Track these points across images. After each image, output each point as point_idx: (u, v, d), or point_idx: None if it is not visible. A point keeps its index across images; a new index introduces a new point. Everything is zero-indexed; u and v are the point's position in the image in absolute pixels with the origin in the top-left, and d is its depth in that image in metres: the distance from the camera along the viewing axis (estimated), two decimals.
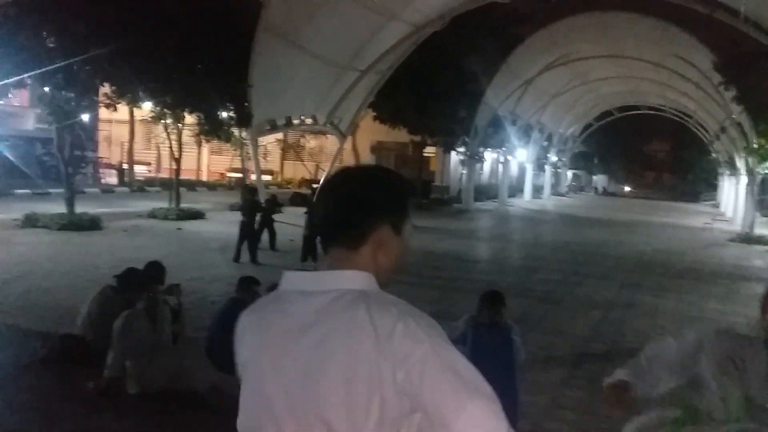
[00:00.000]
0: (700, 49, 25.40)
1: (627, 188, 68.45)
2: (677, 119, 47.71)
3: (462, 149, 31.28)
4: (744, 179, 26.40)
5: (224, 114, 18.60)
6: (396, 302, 1.45)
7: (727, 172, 35.29)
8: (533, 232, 23.15)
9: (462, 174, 33.40)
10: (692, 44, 25.86)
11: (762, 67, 15.57)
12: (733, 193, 33.32)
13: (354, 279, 1.46)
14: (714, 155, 41.04)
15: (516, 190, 42.47)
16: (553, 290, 11.61)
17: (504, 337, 4.48)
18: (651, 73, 34.89)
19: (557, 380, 6.53)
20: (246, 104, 18.20)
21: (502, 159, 38.47)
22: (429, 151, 33.64)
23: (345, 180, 1.59)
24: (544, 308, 9.99)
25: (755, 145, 23.01)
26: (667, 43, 27.81)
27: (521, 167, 43.56)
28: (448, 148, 31.48)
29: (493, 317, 4.60)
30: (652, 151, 71.19)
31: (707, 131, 40.77)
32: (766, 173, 26.74)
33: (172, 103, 17.23)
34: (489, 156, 38.88)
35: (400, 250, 1.59)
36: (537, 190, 44.85)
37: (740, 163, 27.67)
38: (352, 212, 1.51)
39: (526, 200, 40.39)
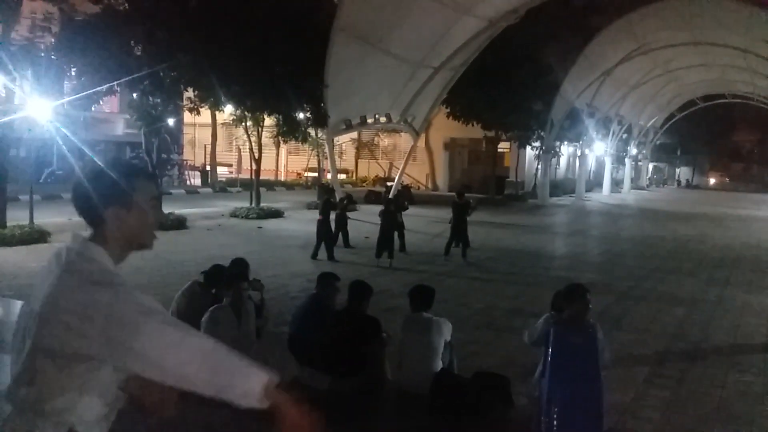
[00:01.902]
0: None
1: (712, 180, 65.43)
2: (766, 107, 45.21)
3: (537, 144, 30.78)
4: None
5: (301, 115, 19.06)
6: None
7: None
8: (612, 227, 22.54)
9: (537, 169, 32.85)
10: None
11: None
12: None
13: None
14: None
15: (594, 184, 41.40)
16: (635, 286, 11.31)
17: (587, 336, 4.27)
18: (737, 60, 33.17)
19: (641, 378, 6.39)
20: (322, 105, 18.60)
21: (578, 153, 37.58)
22: (503, 146, 33.26)
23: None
24: (626, 305, 9.75)
25: None
26: (753, 28, 26.40)
27: (599, 161, 42.42)
28: (522, 143, 31.05)
29: (575, 316, 4.38)
30: (740, 142, 67.57)
31: None
32: None
33: (252, 106, 17.79)
34: (565, 150, 38.06)
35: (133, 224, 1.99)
36: (616, 184, 43.56)
37: None
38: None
39: (604, 194, 39.28)
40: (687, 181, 63.54)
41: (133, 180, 1.99)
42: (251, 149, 20.22)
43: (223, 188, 29.07)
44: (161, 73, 15.00)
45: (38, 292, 1.90)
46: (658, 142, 53.65)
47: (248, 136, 20.15)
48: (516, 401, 5.15)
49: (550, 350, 4.22)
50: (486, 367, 5.74)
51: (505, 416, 5.07)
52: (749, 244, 18.54)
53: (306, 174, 35.07)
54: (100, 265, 1.89)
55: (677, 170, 65.11)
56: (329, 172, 22.69)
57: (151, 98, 15.89)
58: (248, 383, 1.82)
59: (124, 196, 1.96)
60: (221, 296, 5.84)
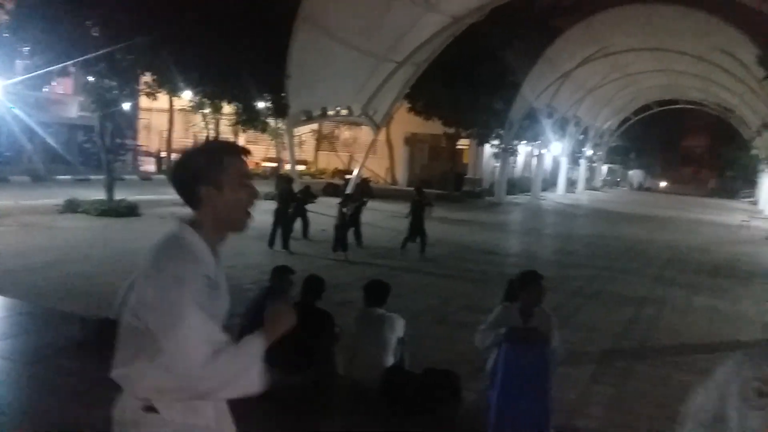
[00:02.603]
0: (745, 43, 24.80)
1: (663, 184, 67.27)
2: (717, 114, 46.67)
3: (496, 142, 31.11)
4: None
5: (261, 104, 18.85)
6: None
7: None
8: (566, 227, 22.98)
9: (495, 167, 33.21)
10: (736, 38, 25.27)
11: None
12: None
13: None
14: (754, 152, 40.02)
15: (549, 183, 42.08)
16: (585, 285, 11.56)
17: (538, 352, 4.26)
18: (692, 67, 34.16)
19: (587, 376, 6.55)
20: (283, 95, 18.42)
21: (536, 152, 38.14)
22: (462, 143, 33.52)
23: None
24: (576, 303, 9.96)
25: None
26: (710, 36, 27.21)
27: (556, 161, 43.12)
28: (481, 140, 31.35)
29: (529, 303, 4.40)
30: (691, 147, 69.72)
31: (748, 127, 39.81)
32: None
33: (211, 93, 17.51)
34: (523, 149, 38.58)
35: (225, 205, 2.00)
36: (571, 184, 44.37)
37: None
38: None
39: (559, 194, 39.99)
40: (639, 183, 65.16)
41: (222, 158, 2.00)
42: (208, 137, 19.93)
43: None
44: (118, 56, 14.63)
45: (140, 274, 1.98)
46: (612, 145, 54.83)
47: (206, 123, 19.85)
48: (466, 397, 5.21)
49: (500, 370, 4.29)
50: (439, 362, 5.79)
51: (454, 412, 5.12)
52: (695, 246, 19.12)
53: (264, 164, 34.74)
54: (185, 242, 1.94)
55: (630, 173, 66.70)
56: (288, 162, 22.52)
57: (106, 81, 15.51)
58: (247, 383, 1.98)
59: (214, 175, 1.97)
60: None
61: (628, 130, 53.95)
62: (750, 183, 49.35)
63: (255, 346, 2.00)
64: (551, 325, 4.48)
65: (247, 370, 1.96)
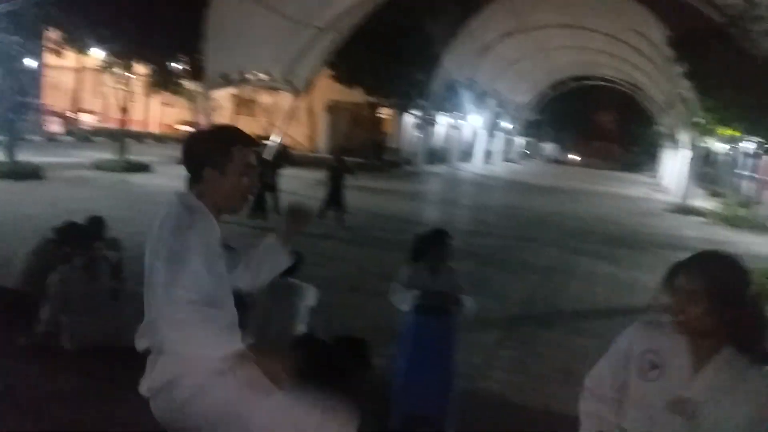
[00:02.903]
0: (655, 24, 25.88)
1: (575, 157, 69.84)
2: (626, 91, 48.66)
3: (417, 112, 31.33)
4: (684, 153, 27.30)
5: (176, 66, 18.16)
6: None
7: (670, 145, 36.34)
8: (481, 197, 23.57)
9: (416, 137, 33.50)
10: (648, 19, 26.33)
11: (713, 45, 15.97)
12: (673, 166, 34.42)
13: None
14: (659, 128, 42.08)
15: (468, 155, 42.87)
16: (496, 254, 11.95)
17: (445, 320, 4.35)
18: (605, 45, 35.38)
19: (492, 341, 6.81)
20: (199, 57, 17.80)
21: (455, 123, 38.68)
22: (384, 112, 33.58)
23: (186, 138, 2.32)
24: (486, 271, 10.29)
25: (698, 121, 23.78)
26: (623, 15, 28.23)
27: (474, 132, 43.90)
28: (403, 110, 31.50)
29: (437, 260, 4.45)
30: (601, 122, 72.57)
31: (655, 104, 41.75)
32: (705, 147, 27.72)
33: (122, 53, 16.72)
34: (443, 120, 39.05)
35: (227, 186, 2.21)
36: (488, 156, 45.35)
37: (683, 137, 28.54)
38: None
39: (477, 165, 40.84)
40: (553, 156, 67.36)
41: (231, 147, 2.20)
42: (119, 98, 19.09)
43: (86, 137, 27.26)
44: (19, 8, 13.70)
45: (151, 232, 2.21)
46: (528, 118, 56.28)
47: (116, 83, 18.98)
48: (377, 364, 5.32)
49: (407, 338, 4.36)
50: (353, 330, 5.87)
51: (363, 379, 5.23)
52: (600, 217, 20.07)
53: (180, 127, 33.64)
54: (195, 206, 2.17)
55: (544, 145, 68.80)
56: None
57: (6, 35, 14.53)
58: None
59: (220, 161, 2.18)
60: (74, 255, 5.56)
61: (544, 105, 55.47)
62: (654, 158, 51.99)
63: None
64: (457, 282, 4.57)
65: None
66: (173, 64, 18.05)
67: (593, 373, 2.36)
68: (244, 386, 2.21)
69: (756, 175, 29.95)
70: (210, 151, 2.19)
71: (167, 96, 27.35)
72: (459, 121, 38.19)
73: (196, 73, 18.24)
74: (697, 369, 2.06)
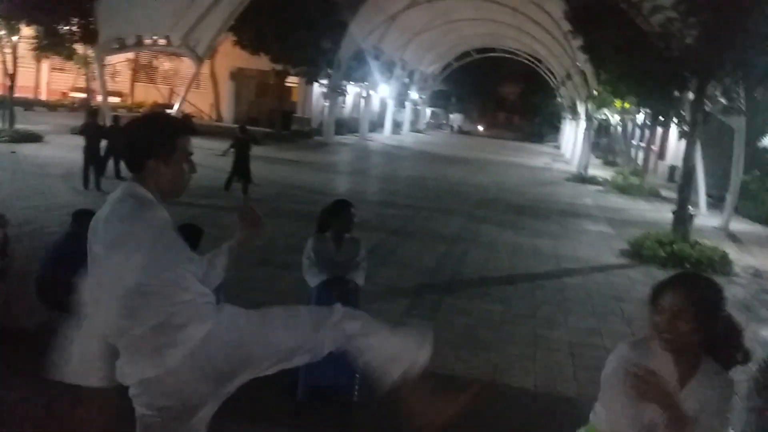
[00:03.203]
0: None
1: (480, 128, 71.46)
2: (529, 64, 50.10)
3: (325, 81, 30.96)
4: (582, 123, 28.51)
5: (66, 28, 17.02)
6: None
7: (569, 116, 37.84)
8: (390, 167, 23.73)
9: (324, 106, 33.17)
10: None
11: (608, 20, 16.62)
12: (572, 136, 35.93)
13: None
14: (559, 100, 43.68)
15: (377, 125, 42.95)
16: (405, 224, 12.10)
17: (348, 304, 4.41)
18: (508, 17, 36.10)
19: (401, 310, 6.92)
20: (91, 19, 16.76)
21: (364, 93, 38.57)
22: (291, 81, 32.92)
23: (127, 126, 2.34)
24: (395, 241, 10.42)
25: (595, 93, 24.84)
26: None
27: (383, 103, 43.98)
28: (310, 79, 31.00)
29: (340, 230, 4.49)
30: (505, 94, 74.48)
31: (555, 77, 43.24)
32: (602, 119, 29.06)
33: (5, 13, 15.48)
34: (352, 90, 38.82)
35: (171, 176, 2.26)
36: (397, 126, 45.64)
37: (581, 109, 29.76)
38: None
39: (386, 135, 41.03)
40: (459, 127, 68.62)
41: (174, 138, 2.23)
42: (4, 62, 17.73)
43: None
44: None
45: (98, 224, 2.22)
46: (436, 89, 56.94)
47: (0, 47, 17.61)
48: None
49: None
50: (261, 304, 5.78)
51: None
52: (505, 187, 20.71)
53: (72, 95, 31.71)
54: (142, 197, 2.20)
55: (451, 116, 69.96)
56: (99, 94, 20.75)
57: None
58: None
59: (164, 152, 2.21)
60: None
61: (450, 76, 56.24)
62: (555, 129, 54.04)
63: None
64: (360, 250, 4.61)
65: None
66: (63, 27, 16.87)
67: (612, 419, 2.30)
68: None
69: (647, 146, 31.77)
70: (155, 143, 2.21)
71: (58, 61, 25.70)
72: (368, 91, 38.10)
73: (89, 36, 17.16)
74: (683, 384, 2.21)
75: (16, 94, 19.24)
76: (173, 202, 2.35)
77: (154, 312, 2.17)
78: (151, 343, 2.19)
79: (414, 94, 48.63)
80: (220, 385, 2.29)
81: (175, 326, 2.19)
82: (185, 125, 2.36)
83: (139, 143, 2.22)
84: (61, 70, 31.36)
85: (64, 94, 32.74)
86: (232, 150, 13.23)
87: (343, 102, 39.44)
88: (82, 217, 5.05)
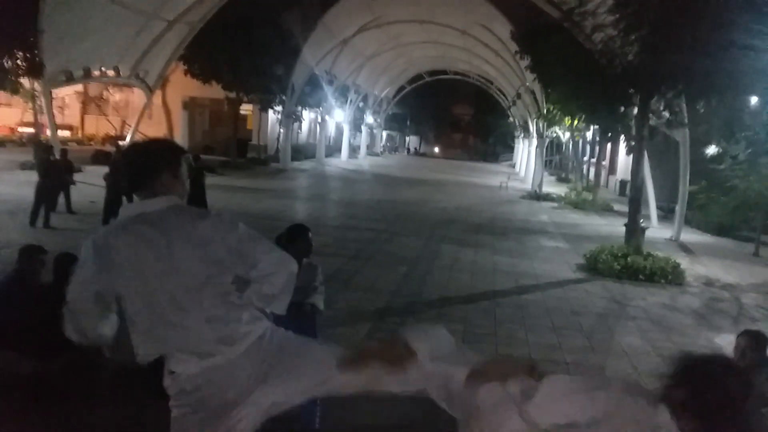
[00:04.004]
0: (500, 19, 27.24)
1: (437, 149, 72.26)
2: (480, 85, 51.02)
3: (279, 108, 30.94)
4: (535, 142, 29.08)
5: (10, 63, 16.64)
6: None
7: (522, 135, 38.60)
8: (348, 192, 23.74)
9: (280, 133, 33.10)
10: (493, 14, 27.63)
11: (553, 40, 17.07)
12: (525, 155, 36.60)
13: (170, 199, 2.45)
14: (511, 119, 44.57)
15: (333, 149, 43.04)
16: (364, 248, 12.08)
17: (306, 327, 4.22)
18: (457, 40, 36.78)
19: (363, 334, 6.87)
20: (36, 52, 16.44)
21: (319, 119, 38.67)
22: (245, 108, 32.83)
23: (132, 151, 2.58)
24: (355, 266, 10.37)
25: (545, 111, 25.40)
26: (471, 11, 29.44)
27: (339, 127, 44.14)
28: (264, 106, 30.97)
29: (299, 259, 4.44)
30: (459, 115, 75.60)
31: (506, 97, 44.12)
32: (554, 136, 29.71)
33: None
34: (307, 115, 38.87)
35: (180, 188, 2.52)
36: (353, 150, 45.83)
37: (532, 127, 30.39)
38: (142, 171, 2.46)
39: (343, 160, 41.11)
40: (415, 149, 69.30)
41: (179, 155, 2.53)
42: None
43: None
44: None
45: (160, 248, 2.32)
46: (391, 112, 57.48)
47: None
48: None
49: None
50: None
51: None
52: (462, 206, 20.91)
53: (20, 129, 30.92)
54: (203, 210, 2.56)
55: (407, 138, 70.62)
56: (48, 128, 20.29)
57: None
58: None
59: (174, 167, 2.49)
60: None
61: (404, 99, 56.86)
62: (509, 148, 55.01)
63: None
64: (318, 275, 4.58)
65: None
66: (8, 61, 16.49)
67: None
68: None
69: (598, 161, 32.55)
70: (167, 160, 2.47)
71: (4, 96, 25.07)
72: (323, 116, 38.21)
73: (35, 69, 16.81)
74: None
75: None
76: None
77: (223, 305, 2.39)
78: (212, 335, 2.35)
79: (369, 118, 49.00)
80: (261, 383, 2.40)
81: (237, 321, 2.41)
82: (181, 147, 2.67)
83: (148, 163, 2.45)
84: (8, 104, 30.58)
85: (11, 129, 31.90)
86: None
87: (299, 128, 39.43)
88: (29, 254, 4.91)
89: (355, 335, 6.74)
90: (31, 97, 20.48)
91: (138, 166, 2.46)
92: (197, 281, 2.33)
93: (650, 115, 12.59)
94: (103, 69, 20.52)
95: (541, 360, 6.49)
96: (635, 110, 12.94)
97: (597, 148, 33.29)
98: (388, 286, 9.18)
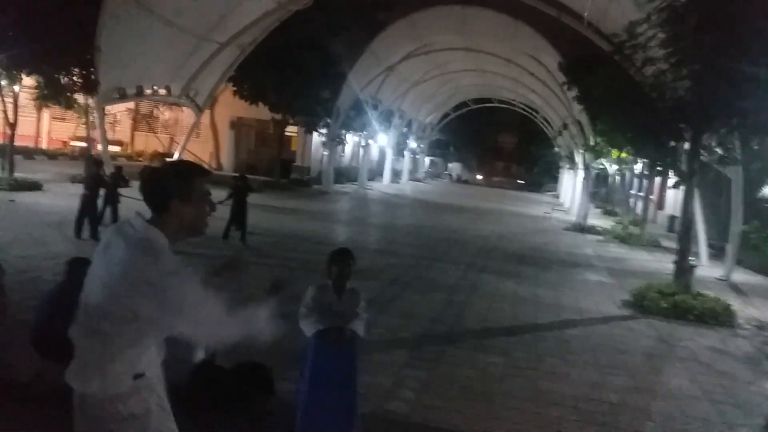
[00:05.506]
0: (548, 49, 27.09)
1: (479, 176, 71.94)
2: (526, 114, 50.74)
3: (324, 131, 31.25)
4: (581, 173, 28.64)
5: (67, 79, 17.21)
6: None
7: (567, 165, 38.09)
8: (389, 216, 23.71)
9: (323, 155, 33.40)
10: (541, 44, 27.52)
11: (601, 71, 16.88)
12: (571, 186, 36.07)
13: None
14: (556, 149, 44.07)
15: (376, 173, 43.20)
16: (404, 274, 11.97)
17: (347, 353, 4.37)
18: (504, 69, 36.73)
19: (401, 361, 6.75)
20: (92, 69, 16.97)
21: (363, 143, 38.91)
22: (291, 130, 33.25)
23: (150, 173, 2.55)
24: (394, 290, 10.28)
25: (592, 143, 25.02)
26: (518, 41, 29.39)
27: (382, 152, 44.34)
28: (309, 128, 31.31)
29: (340, 278, 4.42)
30: (503, 143, 75.31)
31: (551, 127, 43.73)
32: (600, 168, 29.22)
33: (8, 64, 15.67)
34: (350, 139, 39.18)
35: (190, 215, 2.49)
36: (396, 175, 45.91)
37: (578, 158, 29.96)
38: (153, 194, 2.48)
39: (385, 184, 41.20)
40: (458, 175, 69.10)
41: (193, 180, 2.47)
42: (5, 111, 17.87)
43: None
44: None
45: (102, 259, 2.43)
46: (434, 138, 57.55)
47: (2, 96, 17.77)
48: (281, 389, 5.13)
49: (309, 367, 4.29)
50: (255, 353, 5.63)
51: (266, 406, 5.03)
52: (504, 235, 20.65)
53: (73, 143, 31.91)
54: (158, 244, 2.38)
55: (449, 165, 70.52)
56: (100, 143, 20.87)
57: None
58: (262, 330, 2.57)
59: (185, 192, 2.44)
60: None
61: (448, 125, 56.95)
62: (553, 178, 54.36)
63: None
64: (360, 301, 4.51)
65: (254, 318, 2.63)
66: (65, 77, 17.06)
67: None
68: None
69: (646, 195, 31.83)
70: (175, 185, 2.43)
71: (59, 110, 25.94)
72: (367, 140, 38.45)
73: (90, 86, 17.34)
74: None
75: (17, 143, 19.34)
76: (175, 251, 2.48)
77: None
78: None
79: (412, 143, 49.11)
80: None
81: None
82: (200, 168, 2.58)
83: (161, 186, 2.45)
84: (62, 119, 31.65)
85: (64, 143, 32.96)
86: (230, 199, 13.18)
87: (342, 151, 39.75)
88: (76, 266, 4.97)
89: (394, 362, 6.63)
90: (85, 112, 21.16)
91: (149, 191, 2.48)
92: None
93: (702, 150, 12.24)
94: (155, 88, 21.06)
95: (584, 398, 6.27)
96: (686, 145, 12.60)
97: (645, 181, 32.61)
98: (426, 314, 9.05)
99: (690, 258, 12.09)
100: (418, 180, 52.89)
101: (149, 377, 2.47)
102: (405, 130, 46.02)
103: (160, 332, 2.45)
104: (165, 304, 2.31)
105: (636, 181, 34.55)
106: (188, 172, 2.51)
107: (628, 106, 13.65)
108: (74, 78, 17.09)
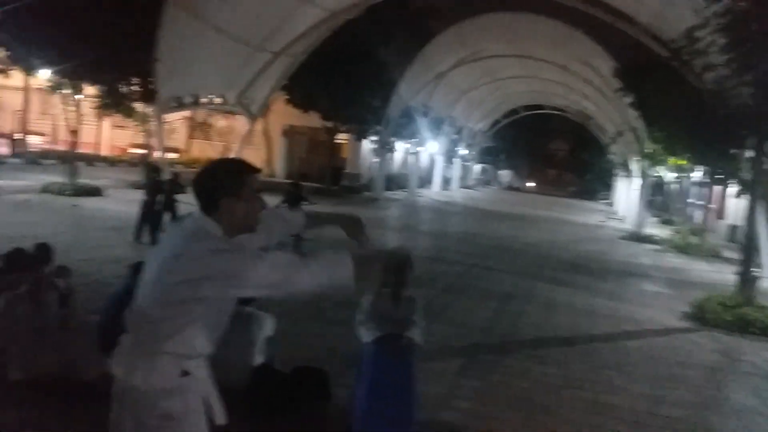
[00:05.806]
0: (602, 55, 26.60)
1: (530, 184, 71.05)
2: (578, 120, 49.87)
3: (374, 138, 31.40)
4: (636, 181, 27.96)
5: (127, 88, 17.80)
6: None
7: (622, 173, 37.23)
8: (440, 223, 23.63)
9: (374, 162, 33.54)
10: (595, 50, 27.05)
11: (658, 77, 16.47)
12: (626, 194, 35.25)
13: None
14: (611, 157, 43.14)
15: (426, 181, 43.12)
16: (455, 281, 11.90)
17: (405, 359, 4.36)
18: (556, 75, 36.21)
19: (454, 370, 6.71)
20: (151, 79, 17.48)
21: (413, 150, 38.93)
22: (341, 137, 33.53)
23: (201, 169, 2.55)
24: (447, 299, 10.22)
25: (648, 150, 24.42)
26: (571, 47, 28.95)
27: (432, 159, 44.25)
28: (360, 136, 31.51)
29: (400, 290, 4.43)
30: (555, 150, 74.20)
31: (605, 133, 42.84)
32: (657, 176, 28.47)
33: (71, 74, 16.29)
34: (401, 146, 39.24)
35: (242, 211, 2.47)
36: (446, 182, 45.73)
37: (634, 166, 29.26)
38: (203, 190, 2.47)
39: (435, 191, 41.10)
40: (508, 183, 68.43)
41: (244, 176, 2.47)
42: (68, 119, 18.57)
43: (34, 160, 26.36)
44: None
45: (163, 251, 2.42)
46: (484, 145, 57.12)
47: (65, 104, 18.47)
48: (337, 394, 5.16)
49: (366, 372, 4.30)
50: (312, 360, 5.69)
51: (323, 410, 5.06)
52: (557, 244, 20.31)
53: (132, 150, 32.93)
54: (216, 238, 2.39)
55: (500, 172, 69.89)
56: (158, 150, 21.49)
57: None
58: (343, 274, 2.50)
59: (236, 189, 2.44)
60: (20, 283, 5.28)
61: (498, 132, 56.42)
62: (607, 186, 53.20)
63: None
64: (417, 309, 4.50)
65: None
66: (124, 86, 17.66)
67: None
68: None
69: (705, 204, 30.89)
70: (226, 181, 2.44)
71: (119, 118, 26.83)
72: (417, 147, 38.46)
73: (148, 95, 17.88)
74: None
75: (79, 150, 20.06)
76: None
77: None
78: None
79: (463, 150, 48.84)
80: None
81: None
82: (250, 165, 2.59)
83: (212, 184, 2.44)
84: (122, 127, 32.69)
85: (123, 150, 34.05)
86: (284, 205, 13.35)
87: (392, 158, 39.83)
88: (140, 269, 5.12)
89: (447, 371, 6.59)
90: (144, 120, 21.87)
91: (201, 189, 2.47)
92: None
93: (765, 158, 11.79)
94: (211, 96, 21.53)
95: (644, 412, 6.09)
96: (748, 152, 12.16)
97: (704, 189, 31.63)
98: (480, 322, 8.97)
99: (753, 269, 11.65)
100: (469, 187, 52.57)
101: (196, 378, 2.47)
102: (455, 137, 45.82)
103: (214, 314, 2.45)
104: (218, 277, 2.28)
105: (694, 189, 33.53)
106: (239, 169, 2.51)
107: (686, 113, 13.29)
108: (134, 87, 17.64)
